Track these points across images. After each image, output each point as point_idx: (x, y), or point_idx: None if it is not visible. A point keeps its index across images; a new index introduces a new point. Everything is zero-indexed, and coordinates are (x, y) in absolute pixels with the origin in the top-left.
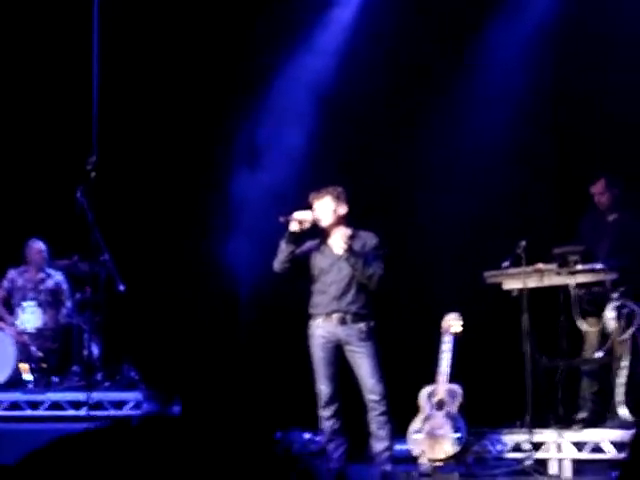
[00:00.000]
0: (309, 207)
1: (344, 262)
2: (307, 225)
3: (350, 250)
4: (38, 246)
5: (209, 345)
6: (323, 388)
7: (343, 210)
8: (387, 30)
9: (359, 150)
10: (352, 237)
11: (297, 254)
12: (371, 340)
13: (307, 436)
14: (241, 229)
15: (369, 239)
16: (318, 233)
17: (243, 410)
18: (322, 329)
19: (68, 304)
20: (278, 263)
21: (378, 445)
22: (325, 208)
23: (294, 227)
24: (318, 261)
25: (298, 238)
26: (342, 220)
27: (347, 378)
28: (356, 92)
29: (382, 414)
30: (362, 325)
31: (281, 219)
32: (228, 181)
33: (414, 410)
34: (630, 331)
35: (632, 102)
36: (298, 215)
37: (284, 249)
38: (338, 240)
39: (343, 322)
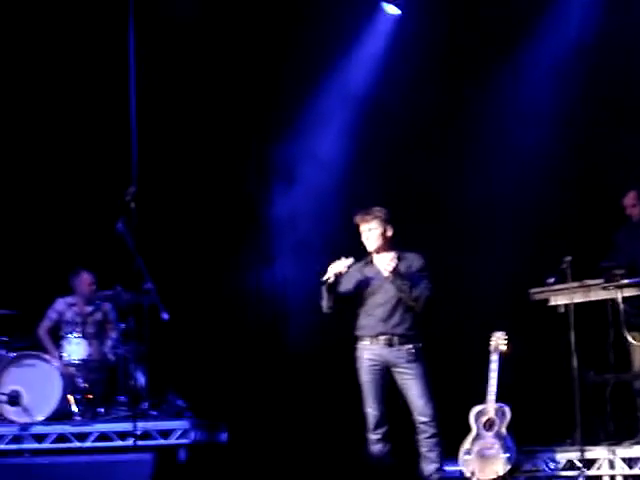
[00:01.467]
0: (356, 227)
1: (390, 284)
2: (345, 271)
3: (396, 272)
4: (88, 278)
5: (255, 372)
6: (371, 411)
7: (390, 232)
8: (422, 46)
9: (396, 164)
10: (398, 259)
11: (342, 294)
12: (419, 361)
13: None
14: (285, 250)
15: (415, 260)
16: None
17: (292, 437)
18: (369, 351)
19: (113, 335)
20: (325, 307)
21: (429, 467)
22: (373, 231)
23: (331, 279)
24: (364, 283)
25: (337, 283)
26: (389, 242)
27: (396, 401)
28: (391, 109)
29: (432, 436)
30: (410, 347)
31: (322, 281)
32: (267, 204)
33: (465, 431)
34: None
35: None
36: (334, 269)
37: (326, 297)
38: (384, 262)
39: (390, 344)
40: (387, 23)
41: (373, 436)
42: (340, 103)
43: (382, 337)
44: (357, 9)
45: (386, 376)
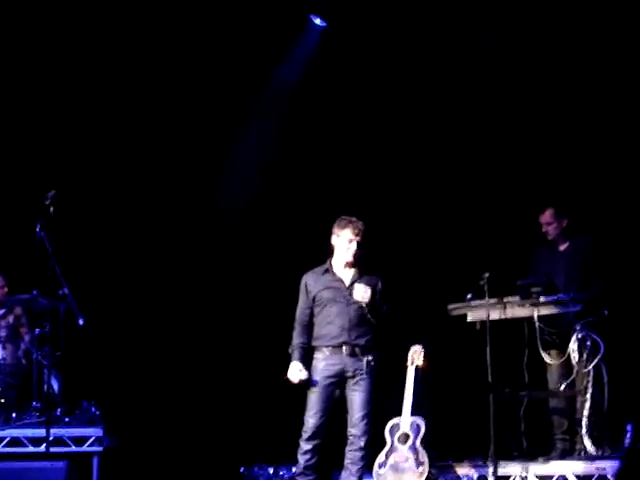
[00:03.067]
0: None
1: (349, 292)
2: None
3: (370, 302)
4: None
5: (169, 379)
6: (312, 421)
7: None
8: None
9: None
10: (359, 275)
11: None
12: (373, 374)
13: (271, 470)
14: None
15: (377, 283)
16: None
17: (206, 445)
18: (327, 362)
19: (27, 339)
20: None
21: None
22: (356, 244)
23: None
24: (324, 293)
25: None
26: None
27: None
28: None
29: (359, 450)
30: (370, 358)
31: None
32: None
33: (381, 444)
34: (593, 363)
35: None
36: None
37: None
38: (360, 291)
39: (352, 354)
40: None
41: (305, 446)
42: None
43: (345, 346)
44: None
45: (338, 388)
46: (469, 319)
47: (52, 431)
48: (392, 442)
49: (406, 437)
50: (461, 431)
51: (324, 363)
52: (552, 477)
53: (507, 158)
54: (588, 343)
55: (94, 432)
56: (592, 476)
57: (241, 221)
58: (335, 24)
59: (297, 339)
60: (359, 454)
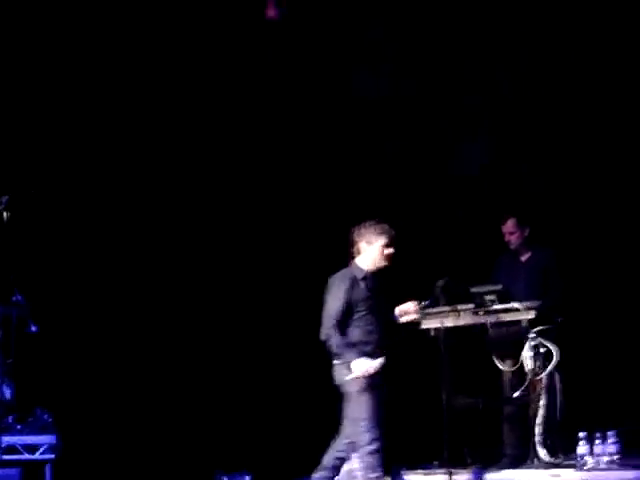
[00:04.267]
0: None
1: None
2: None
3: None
4: None
5: (122, 386)
6: None
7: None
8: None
9: None
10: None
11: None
12: None
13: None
14: None
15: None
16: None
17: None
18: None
19: None
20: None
21: None
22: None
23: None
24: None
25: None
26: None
27: None
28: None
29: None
30: None
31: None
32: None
33: None
34: (547, 371)
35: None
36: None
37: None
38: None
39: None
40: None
41: None
42: None
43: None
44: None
45: None
46: (423, 326)
47: (4, 439)
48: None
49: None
50: (415, 439)
51: None
52: None
53: (467, 166)
54: (542, 351)
55: (47, 440)
56: None
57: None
58: None
59: None
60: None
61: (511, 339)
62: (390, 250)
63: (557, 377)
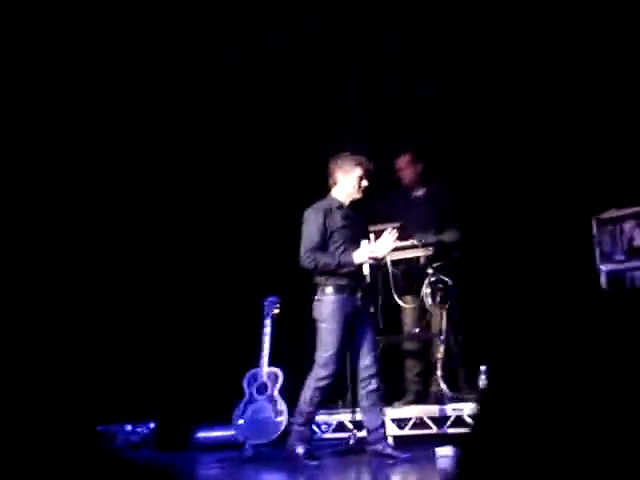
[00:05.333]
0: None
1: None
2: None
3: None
4: None
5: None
6: None
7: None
8: None
9: None
10: None
11: None
12: None
13: (129, 427)
14: None
15: None
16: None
17: (62, 404)
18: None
19: None
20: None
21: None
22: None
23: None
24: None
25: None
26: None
27: None
28: None
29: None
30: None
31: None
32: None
33: (239, 396)
34: (446, 306)
35: None
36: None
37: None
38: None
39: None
40: None
41: None
42: None
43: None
44: None
45: None
46: None
47: None
48: (250, 393)
49: (264, 387)
50: None
51: None
52: (409, 420)
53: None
54: (440, 287)
55: None
56: (448, 418)
57: None
58: None
59: None
60: None
61: (410, 276)
62: (365, 183)
63: (456, 312)
